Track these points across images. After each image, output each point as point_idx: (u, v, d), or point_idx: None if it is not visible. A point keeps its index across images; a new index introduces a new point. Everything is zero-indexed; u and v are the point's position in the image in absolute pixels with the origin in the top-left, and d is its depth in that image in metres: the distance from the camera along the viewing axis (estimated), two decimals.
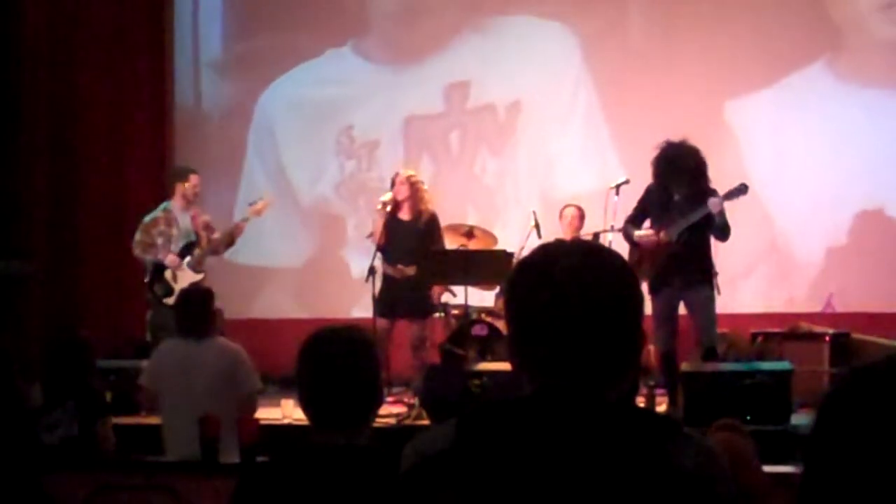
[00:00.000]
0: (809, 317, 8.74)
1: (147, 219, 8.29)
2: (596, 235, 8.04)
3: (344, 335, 2.74)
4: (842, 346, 7.65)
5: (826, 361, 7.55)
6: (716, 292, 7.20)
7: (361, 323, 7.36)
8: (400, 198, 8.00)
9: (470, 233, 8.44)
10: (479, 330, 8.09)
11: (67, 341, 5.82)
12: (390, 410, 7.35)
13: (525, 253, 5.22)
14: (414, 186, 8.03)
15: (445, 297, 8.42)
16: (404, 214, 8.04)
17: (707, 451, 1.66)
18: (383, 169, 9.90)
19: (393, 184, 8.11)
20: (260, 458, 5.04)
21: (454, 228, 8.51)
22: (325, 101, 10.42)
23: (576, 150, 9.87)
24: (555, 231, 8.41)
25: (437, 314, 8.42)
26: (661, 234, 7.13)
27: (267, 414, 7.16)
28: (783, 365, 6.91)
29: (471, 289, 8.14)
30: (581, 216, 8.55)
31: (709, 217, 6.97)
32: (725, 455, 1.76)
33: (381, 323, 7.83)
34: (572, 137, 9.91)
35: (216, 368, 5.58)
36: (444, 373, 7.38)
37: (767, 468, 3.61)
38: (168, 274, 8.16)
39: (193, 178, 8.32)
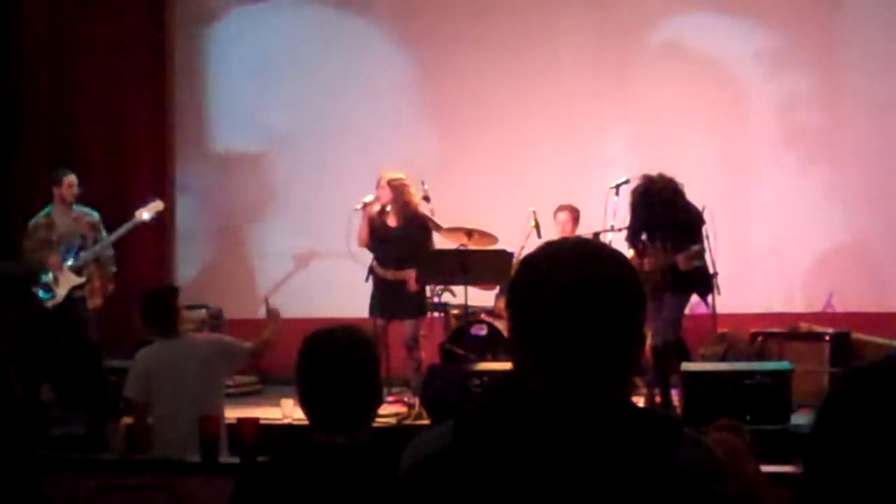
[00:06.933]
0: (809, 317, 8.72)
1: (30, 224, 8.24)
2: (596, 235, 8.03)
3: (344, 335, 2.74)
4: (842, 346, 7.63)
5: (826, 361, 7.53)
6: (716, 292, 7.19)
7: (360, 322, 7.39)
8: (383, 202, 7.83)
9: (470, 233, 8.43)
10: (478, 330, 8.08)
11: (79, 344, 5.84)
12: (390, 410, 7.34)
13: (525, 253, 5.21)
14: (397, 190, 7.78)
15: (446, 297, 8.41)
16: (391, 220, 7.86)
17: (706, 451, 1.66)
18: None
19: (378, 184, 7.88)
20: (260, 458, 5.05)
21: (455, 228, 8.49)
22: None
23: (589, 147, 9.70)
24: (554, 232, 8.38)
25: (432, 313, 8.38)
26: (646, 262, 7.15)
27: (267, 414, 7.16)
28: (783, 365, 6.91)
29: (471, 289, 8.13)
30: (575, 219, 8.46)
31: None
32: (724, 455, 1.76)
33: (377, 321, 7.82)
34: (582, 134, 9.74)
35: (205, 356, 5.51)
36: (444, 373, 7.38)
37: (767, 468, 3.61)
38: (49, 277, 8.07)
39: (67, 180, 8.18)
